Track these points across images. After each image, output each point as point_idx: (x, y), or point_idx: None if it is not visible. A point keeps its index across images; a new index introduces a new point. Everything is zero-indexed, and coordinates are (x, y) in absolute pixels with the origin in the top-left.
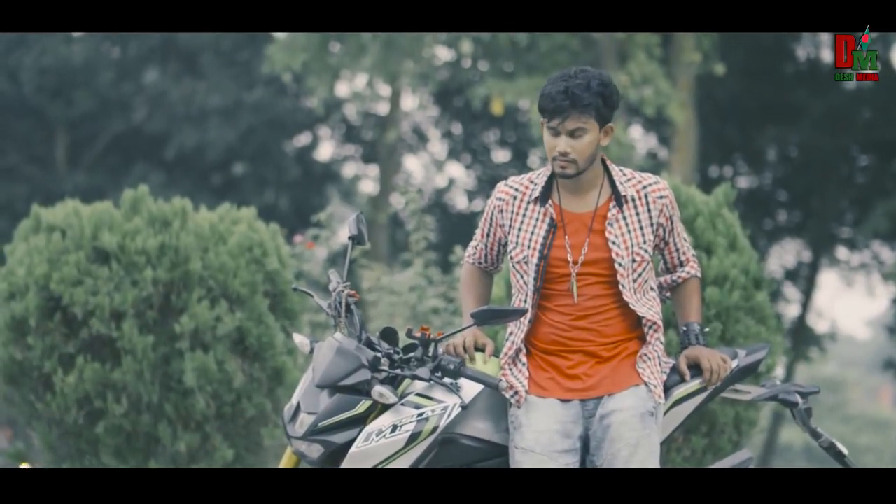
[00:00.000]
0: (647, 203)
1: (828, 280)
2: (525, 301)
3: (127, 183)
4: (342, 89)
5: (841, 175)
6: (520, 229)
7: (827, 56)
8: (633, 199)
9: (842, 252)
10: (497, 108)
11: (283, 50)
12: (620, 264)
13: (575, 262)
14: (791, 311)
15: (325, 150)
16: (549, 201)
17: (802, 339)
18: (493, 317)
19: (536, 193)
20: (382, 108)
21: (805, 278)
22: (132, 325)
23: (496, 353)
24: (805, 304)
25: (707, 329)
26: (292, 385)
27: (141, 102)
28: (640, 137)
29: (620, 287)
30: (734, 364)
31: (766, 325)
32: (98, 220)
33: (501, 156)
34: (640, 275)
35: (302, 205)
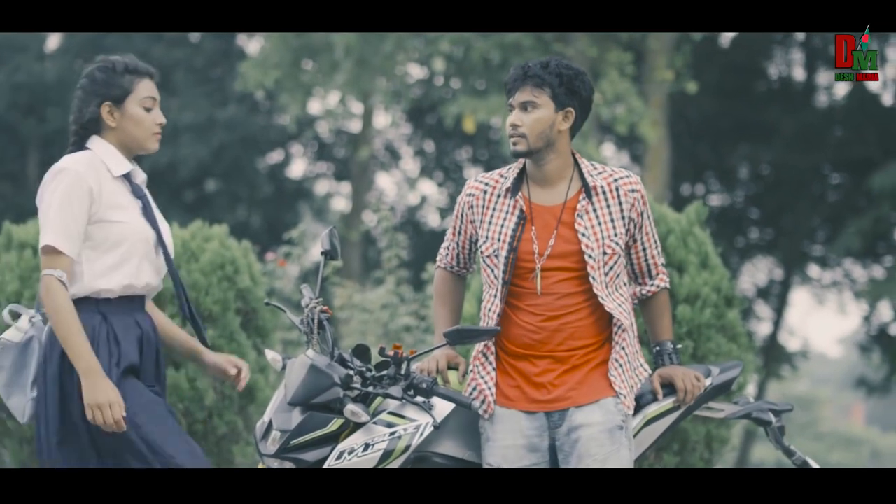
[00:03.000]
0: (619, 196)
1: (799, 298)
2: (495, 296)
3: None
4: (315, 107)
5: (813, 193)
6: (490, 223)
7: (799, 74)
8: (604, 191)
9: (813, 270)
10: (469, 125)
11: (256, 67)
12: (590, 256)
13: (541, 255)
14: (763, 328)
15: (298, 168)
16: (519, 194)
17: (774, 356)
18: (464, 337)
19: (507, 185)
20: (355, 126)
21: (777, 296)
22: None
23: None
24: (777, 322)
25: (680, 346)
26: (264, 403)
27: None
28: (612, 155)
29: (591, 279)
30: (708, 382)
31: (738, 342)
32: None
33: (474, 173)
34: (611, 268)
35: (274, 222)
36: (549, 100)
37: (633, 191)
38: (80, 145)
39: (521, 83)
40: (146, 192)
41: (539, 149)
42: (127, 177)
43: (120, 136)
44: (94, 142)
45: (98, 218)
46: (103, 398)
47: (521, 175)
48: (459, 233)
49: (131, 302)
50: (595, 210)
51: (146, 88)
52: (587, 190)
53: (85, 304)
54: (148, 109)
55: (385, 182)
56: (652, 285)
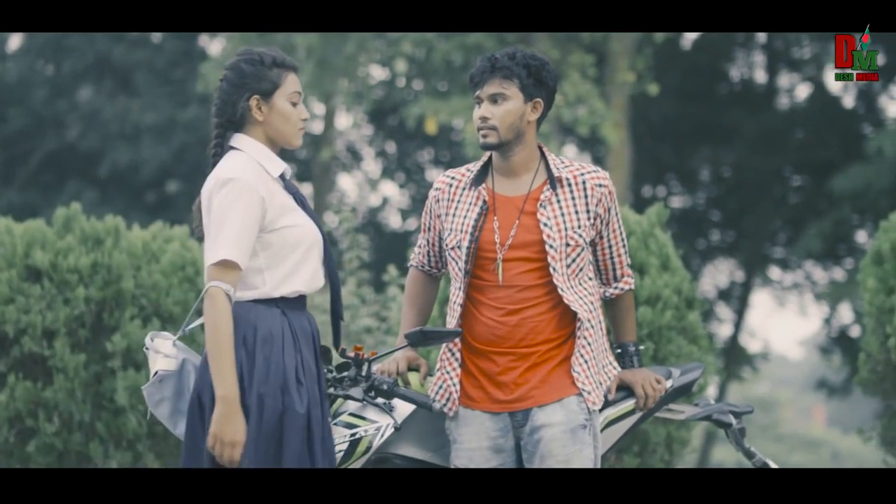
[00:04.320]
0: (585, 189)
1: (760, 300)
2: (459, 288)
3: (60, 201)
4: None
5: (774, 195)
6: (454, 215)
7: (760, 76)
8: (570, 183)
9: (774, 272)
10: (431, 127)
11: (218, 68)
12: (552, 246)
13: (503, 245)
14: (724, 330)
15: None
16: (483, 185)
17: (735, 358)
18: (425, 339)
19: (472, 178)
20: (317, 127)
21: (738, 298)
22: (64, 344)
23: (431, 372)
24: (738, 324)
25: (642, 346)
26: None
27: (75, 120)
28: (573, 157)
29: (551, 270)
30: (668, 384)
31: (698, 344)
32: (30, 238)
33: (435, 175)
34: (573, 260)
35: None
36: (517, 91)
37: (600, 185)
38: (223, 143)
39: (489, 75)
40: (295, 184)
41: (509, 141)
42: (281, 174)
43: (267, 130)
44: (241, 140)
45: (273, 226)
46: (233, 436)
47: (487, 167)
48: (429, 229)
49: (302, 300)
50: (559, 201)
51: (293, 83)
52: (552, 181)
53: (264, 303)
54: (294, 104)
55: (346, 183)
56: (616, 287)
